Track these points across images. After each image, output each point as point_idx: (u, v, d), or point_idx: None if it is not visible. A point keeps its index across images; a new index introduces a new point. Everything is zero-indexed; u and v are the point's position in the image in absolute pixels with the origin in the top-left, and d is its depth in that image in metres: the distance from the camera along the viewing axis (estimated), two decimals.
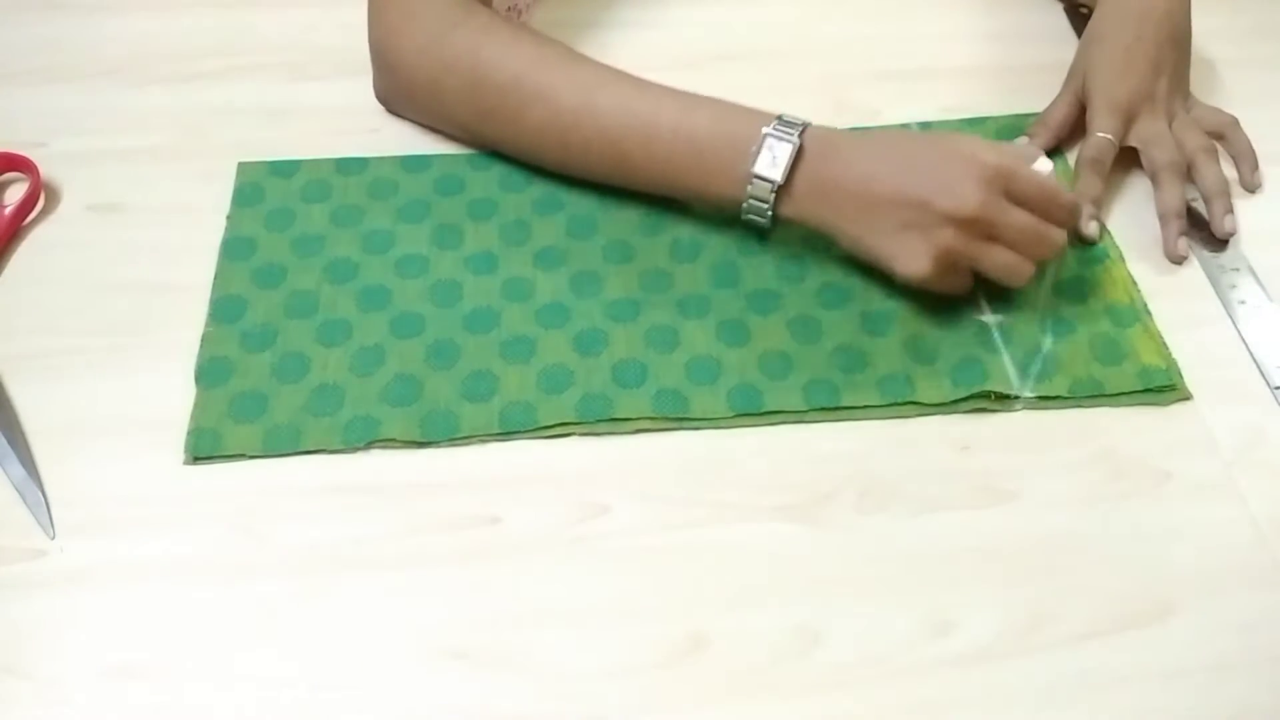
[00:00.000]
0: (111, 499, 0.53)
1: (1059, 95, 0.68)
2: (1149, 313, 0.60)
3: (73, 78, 0.73)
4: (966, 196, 0.54)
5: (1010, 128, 0.69)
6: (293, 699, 0.47)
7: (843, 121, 0.69)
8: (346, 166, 0.67)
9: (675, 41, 0.76)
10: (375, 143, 0.68)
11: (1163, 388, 0.57)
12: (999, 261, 0.56)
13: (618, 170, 0.62)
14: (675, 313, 0.60)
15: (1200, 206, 0.65)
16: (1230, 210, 0.64)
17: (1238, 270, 0.62)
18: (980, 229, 0.55)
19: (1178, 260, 0.62)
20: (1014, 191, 0.56)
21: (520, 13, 0.73)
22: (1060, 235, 0.57)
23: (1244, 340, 0.59)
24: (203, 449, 0.54)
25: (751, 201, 0.59)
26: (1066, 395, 0.56)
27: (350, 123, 0.70)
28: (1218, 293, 0.61)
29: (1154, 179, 0.64)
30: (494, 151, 0.67)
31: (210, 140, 0.68)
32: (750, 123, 0.59)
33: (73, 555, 0.51)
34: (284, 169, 0.67)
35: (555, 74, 0.62)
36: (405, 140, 0.68)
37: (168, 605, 0.49)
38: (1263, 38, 0.77)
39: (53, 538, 0.51)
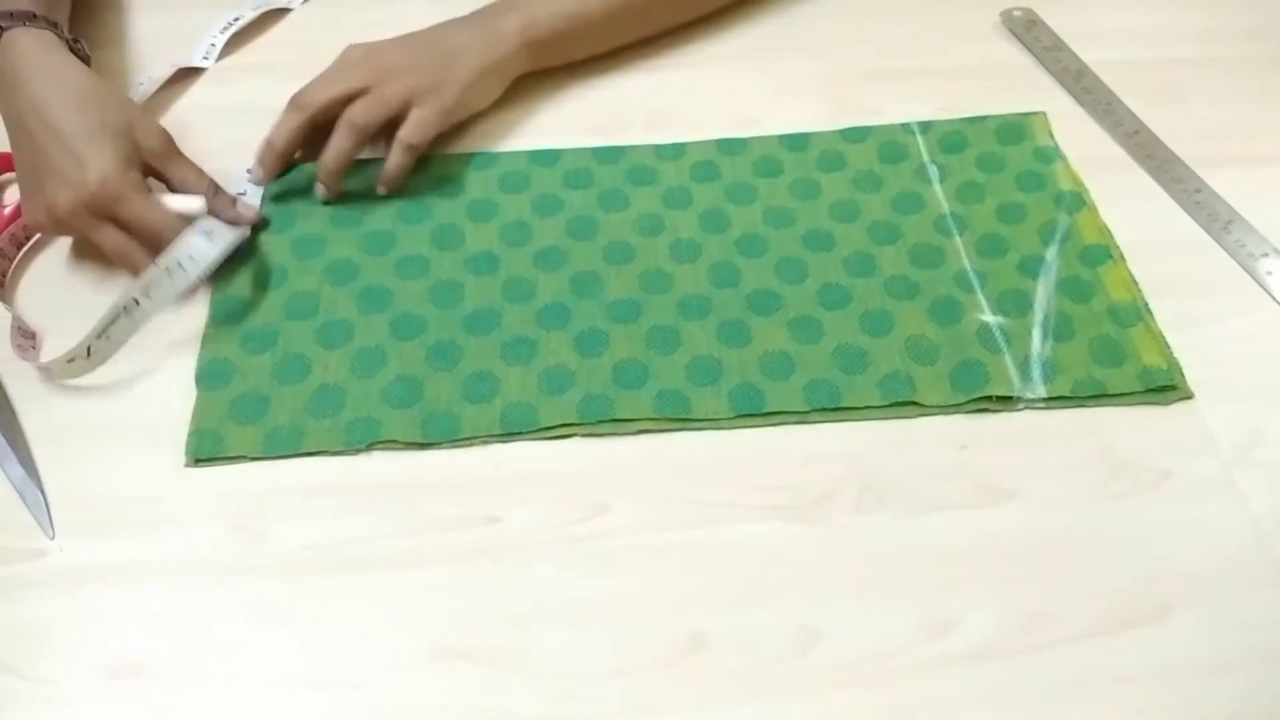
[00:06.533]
0: (111, 499, 0.53)
1: None
2: (1150, 312, 0.60)
3: None
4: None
5: (1011, 126, 0.69)
6: (293, 699, 0.47)
7: (843, 121, 0.70)
8: None
9: (674, 41, 0.76)
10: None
11: (1164, 388, 0.57)
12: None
13: None
14: (676, 313, 0.60)
15: None
16: None
17: (1267, 255, 0.61)
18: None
19: None
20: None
21: None
22: None
23: None
24: (204, 451, 0.54)
25: None
26: (1069, 395, 0.56)
27: None
28: (1256, 280, 0.61)
29: None
30: (492, 153, 0.67)
31: (208, 140, 0.68)
32: None
33: (73, 555, 0.51)
34: (283, 170, 0.67)
35: None
36: None
37: (168, 605, 0.49)
38: (1263, 37, 0.77)
39: (52, 538, 0.51)
